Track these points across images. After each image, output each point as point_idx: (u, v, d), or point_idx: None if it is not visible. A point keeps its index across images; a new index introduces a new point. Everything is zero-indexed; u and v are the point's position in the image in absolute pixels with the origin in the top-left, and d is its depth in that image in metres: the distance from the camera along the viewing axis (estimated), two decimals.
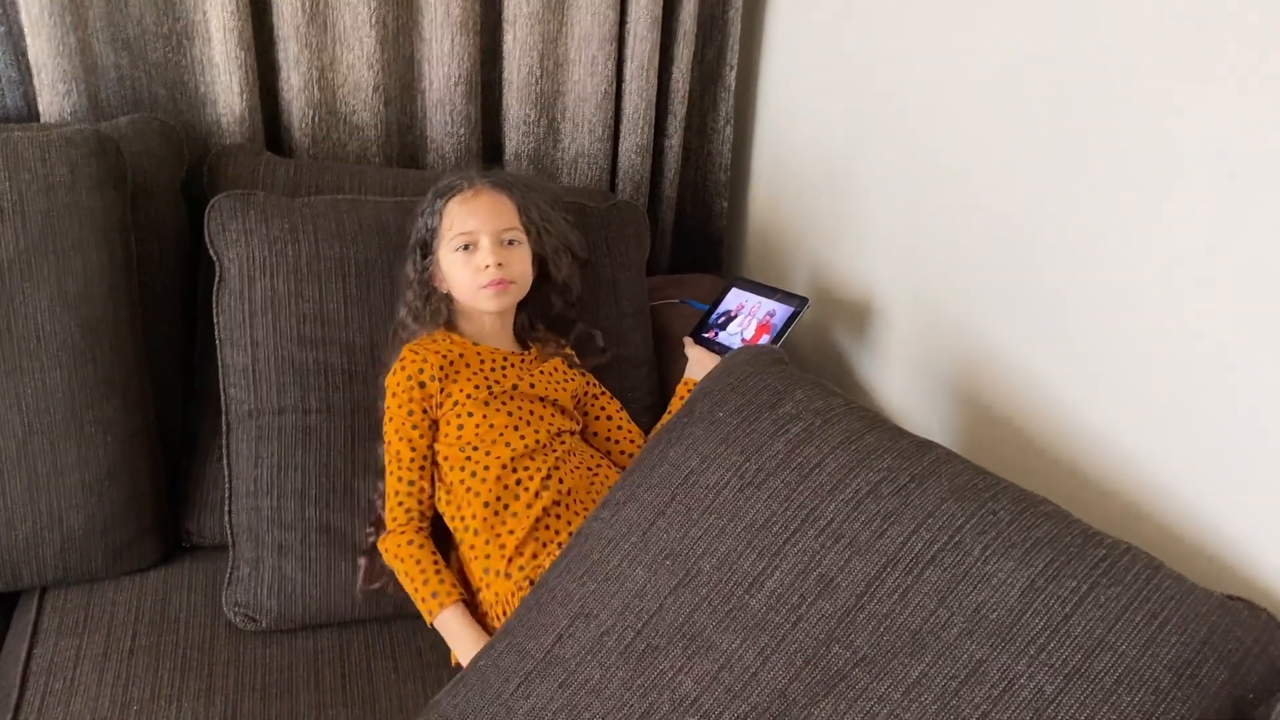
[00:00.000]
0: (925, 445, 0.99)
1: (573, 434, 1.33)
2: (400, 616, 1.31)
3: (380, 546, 1.27)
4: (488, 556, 1.21)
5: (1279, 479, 0.91)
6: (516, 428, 1.27)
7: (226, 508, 1.31)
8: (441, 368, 1.28)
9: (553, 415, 1.31)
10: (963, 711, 0.81)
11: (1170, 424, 1.02)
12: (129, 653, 1.21)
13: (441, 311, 1.34)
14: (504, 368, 1.32)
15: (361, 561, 1.28)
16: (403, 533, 1.24)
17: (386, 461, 1.28)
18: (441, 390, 1.27)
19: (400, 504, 1.26)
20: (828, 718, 0.84)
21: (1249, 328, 0.93)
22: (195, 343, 1.46)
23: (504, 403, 1.28)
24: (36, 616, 1.27)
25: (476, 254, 1.29)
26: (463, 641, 1.18)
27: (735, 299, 1.50)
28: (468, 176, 1.36)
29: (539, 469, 1.24)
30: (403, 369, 1.28)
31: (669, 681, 0.91)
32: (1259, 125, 0.89)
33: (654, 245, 1.86)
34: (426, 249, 1.34)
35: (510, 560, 1.20)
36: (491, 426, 1.26)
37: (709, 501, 1.00)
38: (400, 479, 1.26)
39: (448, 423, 1.27)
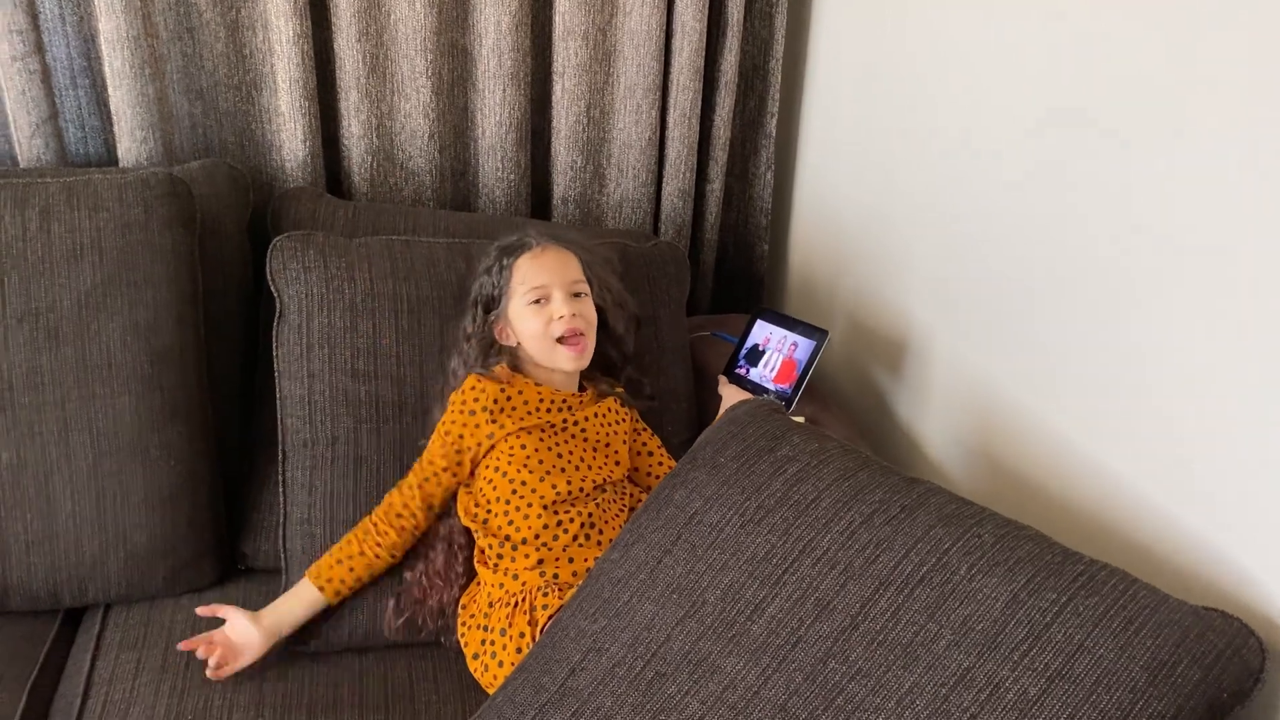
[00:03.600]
0: (913, 480, 1.04)
1: (613, 484, 1.35)
2: (441, 643, 1.34)
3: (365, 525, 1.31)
4: (527, 556, 1.26)
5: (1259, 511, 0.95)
6: (563, 470, 1.30)
7: (281, 533, 1.35)
8: (495, 400, 1.31)
9: (601, 463, 1.34)
10: (952, 715, 0.84)
11: (1179, 468, 1.04)
12: (185, 667, 1.25)
13: (500, 363, 1.38)
14: (559, 408, 1.35)
15: (389, 603, 1.32)
16: (380, 537, 1.30)
17: (418, 463, 1.33)
18: (492, 420, 1.30)
19: (398, 515, 1.30)
20: None
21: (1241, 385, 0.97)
22: (255, 374, 1.52)
23: (555, 443, 1.32)
24: (100, 631, 1.33)
25: (549, 305, 1.34)
26: (286, 601, 1.28)
27: (761, 331, 1.53)
28: (531, 234, 1.41)
29: (578, 514, 1.28)
30: (469, 391, 1.33)
31: (676, 704, 0.94)
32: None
33: (696, 286, 1.89)
34: (491, 304, 1.39)
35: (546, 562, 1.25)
36: (540, 462, 1.29)
37: (712, 538, 1.04)
38: (414, 486, 1.31)
39: (499, 455, 1.30)
